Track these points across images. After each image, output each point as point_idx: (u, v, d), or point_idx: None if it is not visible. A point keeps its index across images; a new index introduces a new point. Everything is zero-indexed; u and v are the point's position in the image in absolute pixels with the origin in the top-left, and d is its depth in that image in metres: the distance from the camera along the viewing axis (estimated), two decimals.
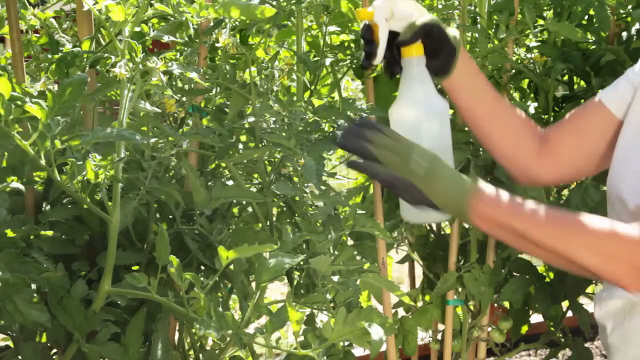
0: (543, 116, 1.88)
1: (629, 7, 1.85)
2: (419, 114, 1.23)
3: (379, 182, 1.16)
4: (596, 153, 1.28)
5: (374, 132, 1.15)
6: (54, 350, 1.49)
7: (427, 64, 1.25)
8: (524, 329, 2.12)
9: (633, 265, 1.06)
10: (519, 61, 1.88)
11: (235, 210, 1.70)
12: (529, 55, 1.86)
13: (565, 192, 1.99)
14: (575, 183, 1.92)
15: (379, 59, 1.24)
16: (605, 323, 1.27)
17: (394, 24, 1.24)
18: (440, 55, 1.26)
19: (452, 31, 1.27)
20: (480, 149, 1.73)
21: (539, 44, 1.86)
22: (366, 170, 1.16)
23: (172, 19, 1.45)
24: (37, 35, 1.72)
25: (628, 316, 1.22)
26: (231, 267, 1.48)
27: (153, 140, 1.46)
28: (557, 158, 1.32)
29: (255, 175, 1.71)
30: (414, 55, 1.23)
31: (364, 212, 1.54)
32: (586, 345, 2.14)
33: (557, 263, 1.13)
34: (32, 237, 1.37)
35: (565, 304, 2.09)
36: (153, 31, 1.41)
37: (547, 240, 1.09)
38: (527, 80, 1.97)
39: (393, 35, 1.24)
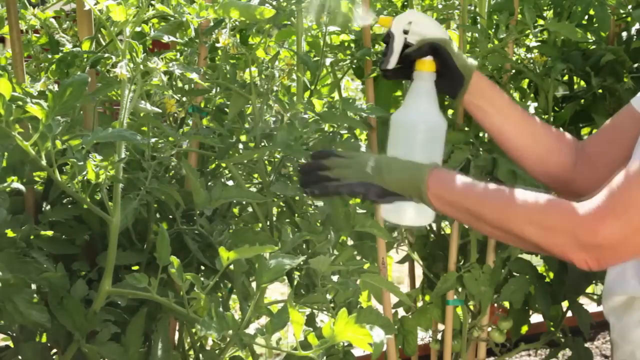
0: (543, 116, 1.88)
1: (629, 7, 1.85)
2: (418, 125, 1.29)
3: (341, 195, 1.26)
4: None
5: (326, 158, 1.26)
6: (54, 350, 1.49)
7: (436, 82, 1.32)
8: (524, 329, 2.12)
9: (577, 240, 1.06)
10: (519, 61, 1.88)
11: (236, 210, 1.70)
12: (529, 55, 1.86)
13: None
14: None
15: (389, 65, 1.33)
16: (609, 319, 1.29)
17: (412, 37, 1.32)
18: (447, 78, 1.33)
19: (464, 59, 1.33)
20: (480, 149, 1.73)
21: (539, 44, 1.86)
22: (323, 191, 1.27)
23: (172, 19, 1.45)
24: (37, 35, 1.72)
25: (627, 312, 1.23)
26: (231, 267, 1.48)
27: (153, 140, 1.46)
28: (594, 167, 1.32)
29: (255, 175, 1.71)
30: (425, 70, 1.30)
31: (364, 211, 1.54)
32: (586, 345, 2.15)
33: (507, 240, 1.19)
34: (32, 237, 1.37)
35: (565, 304, 2.09)
36: (153, 31, 1.41)
37: (494, 218, 1.14)
38: (527, 80, 1.97)
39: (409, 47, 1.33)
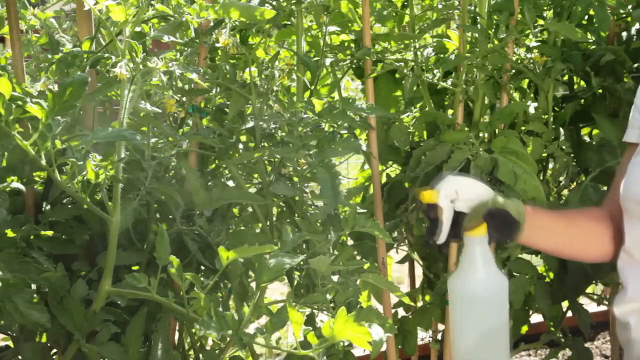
0: (543, 116, 1.88)
1: (629, 7, 1.85)
2: (478, 292, 1.25)
3: None
4: None
5: None
6: (54, 350, 1.49)
7: (491, 236, 1.26)
8: (524, 329, 2.12)
9: None
10: (519, 61, 1.87)
11: (236, 210, 1.70)
12: (529, 55, 1.86)
13: (565, 192, 1.99)
14: (574, 183, 1.92)
15: (442, 240, 1.26)
16: (628, 319, 1.29)
17: (459, 204, 1.26)
18: (503, 232, 1.28)
19: (515, 205, 1.28)
20: (480, 149, 1.72)
21: (539, 44, 1.86)
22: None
23: (172, 19, 1.45)
24: (37, 35, 1.72)
25: None
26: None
27: (153, 140, 1.46)
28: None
29: (255, 175, 1.71)
30: (477, 236, 1.25)
31: (364, 212, 1.54)
32: (586, 345, 2.14)
33: None
34: (32, 237, 1.37)
35: (565, 304, 2.09)
36: (153, 31, 1.41)
37: None
38: (527, 80, 1.97)
39: (457, 214, 1.26)
